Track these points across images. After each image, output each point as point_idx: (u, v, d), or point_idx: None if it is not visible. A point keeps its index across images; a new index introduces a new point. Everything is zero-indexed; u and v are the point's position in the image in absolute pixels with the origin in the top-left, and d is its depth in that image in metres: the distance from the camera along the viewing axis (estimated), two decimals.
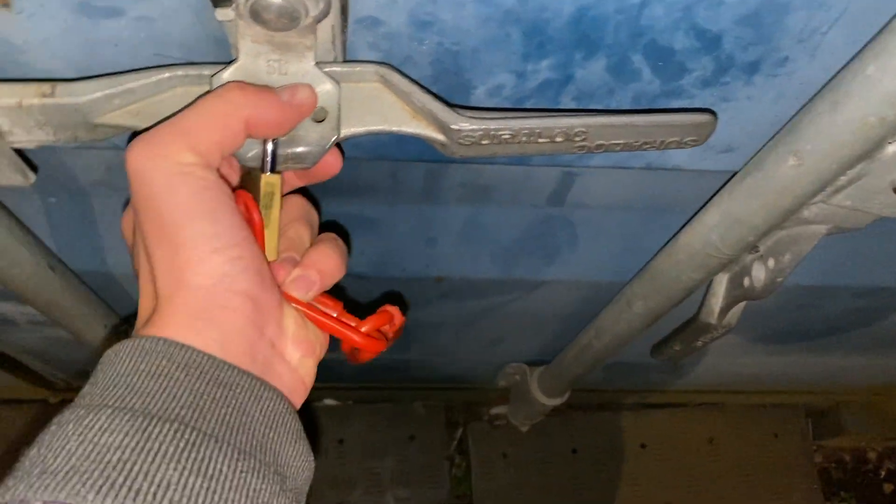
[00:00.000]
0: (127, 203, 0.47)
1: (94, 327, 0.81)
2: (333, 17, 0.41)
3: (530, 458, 1.51)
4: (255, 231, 0.43)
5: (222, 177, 0.41)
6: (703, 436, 1.55)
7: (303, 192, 0.51)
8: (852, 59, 0.44)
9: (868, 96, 0.42)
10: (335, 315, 0.46)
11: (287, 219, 0.47)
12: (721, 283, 0.73)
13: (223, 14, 0.40)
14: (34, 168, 0.51)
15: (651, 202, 0.77)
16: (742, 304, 0.73)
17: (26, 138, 0.46)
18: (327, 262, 0.45)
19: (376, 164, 0.70)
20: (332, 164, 0.48)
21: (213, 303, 0.38)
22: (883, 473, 1.60)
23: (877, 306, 0.98)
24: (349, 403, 1.53)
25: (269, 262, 0.43)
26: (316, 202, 0.52)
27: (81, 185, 0.74)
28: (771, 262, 0.65)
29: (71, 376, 1.32)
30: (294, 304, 0.44)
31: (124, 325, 0.98)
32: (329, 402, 1.53)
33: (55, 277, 0.69)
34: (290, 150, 0.45)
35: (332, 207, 0.78)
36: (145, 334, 0.38)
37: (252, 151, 0.44)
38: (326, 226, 0.60)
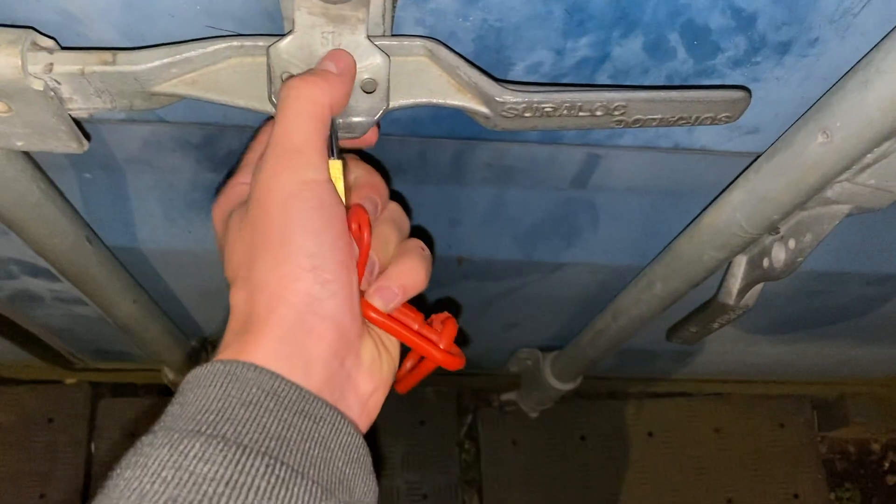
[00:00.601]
0: (219, 188, 0.49)
1: (122, 303, 0.83)
2: None
3: (539, 445, 1.53)
4: (362, 250, 0.43)
5: None
6: (709, 425, 1.57)
7: (399, 200, 0.52)
8: (883, 38, 0.46)
9: (892, 62, 0.44)
10: (416, 328, 0.45)
11: (379, 221, 0.48)
12: (740, 265, 0.74)
13: None
14: (87, 136, 0.52)
15: (672, 186, 0.78)
16: (760, 286, 0.75)
17: (85, 106, 0.47)
18: (411, 276, 0.45)
19: (406, 143, 0.71)
20: (369, 137, 0.50)
21: (301, 326, 0.38)
22: (887, 465, 1.62)
23: (885, 294, 1.00)
24: None
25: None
26: (408, 209, 0.53)
27: (116, 161, 0.75)
28: (791, 243, 0.67)
29: (89, 356, 1.34)
30: (374, 313, 0.43)
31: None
32: None
33: (91, 250, 0.71)
34: (342, 121, 0.46)
35: None
36: (234, 356, 0.38)
37: None
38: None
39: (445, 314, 0.48)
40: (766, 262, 0.70)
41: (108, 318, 0.88)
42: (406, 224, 0.50)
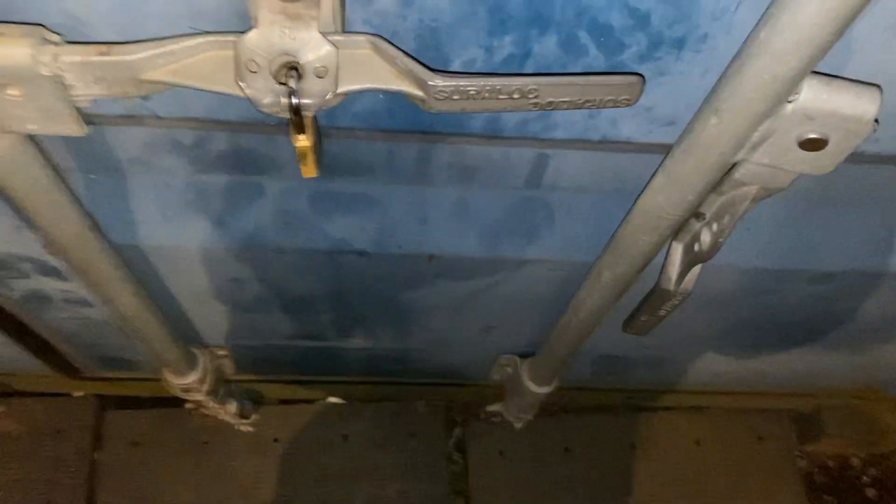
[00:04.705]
0: None
1: (123, 293, 0.91)
2: None
3: (525, 456, 1.59)
4: None
5: None
6: (689, 437, 1.62)
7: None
8: (753, 28, 0.54)
9: (761, 56, 0.52)
10: None
11: None
12: (677, 252, 0.82)
13: None
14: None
15: (617, 185, 0.86)
16: (697, 271, 0.82)
17: (86, 92, 0.57)
18: None
19: (374, 146, 0.80)
20: None
21: None
22: (866, 479, 1.65)
23: (829, 293, 1.06)
24: (354, 402, 1.62)
25: None
26: None
27: (118, 163, 0.84)
28: (714, 226, 0.75)
29: (96, 364, 1.42)
30: None
31: None
32: (335, 400, 1.62)
33: (95, 237, 0.80)
34: (297, 101, 0.55)
35: (338, 187, 0.88)
36: None
37: (267, 98, 0.54)
38: None
39: None
40: (696, 247, 0.78)
41: (111, 310, 0.96)
42: None
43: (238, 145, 0.81)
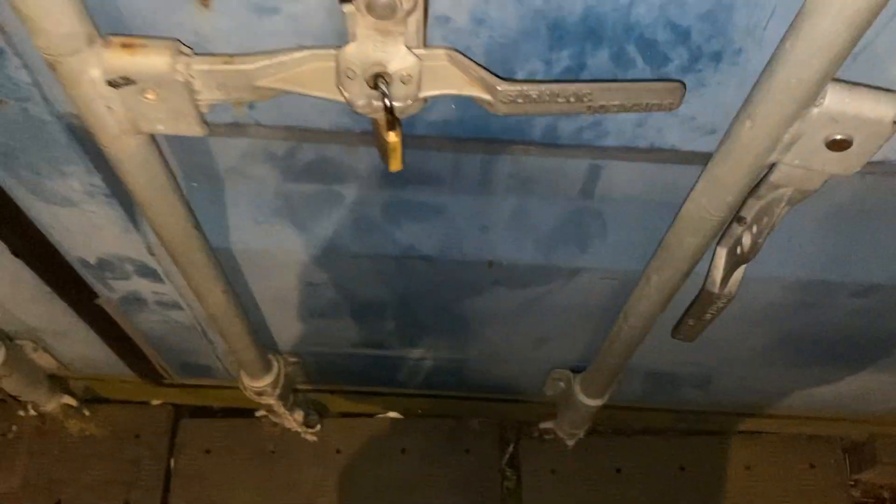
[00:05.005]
0: None
1: (214, 290, 1.02)
2: (418, 12, 0.62)
3: (577, 475, 1.63)
4: None
5: None
6: (740, 462, 1.64)
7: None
8: (781, 39, 0.62)
9: (787, 63, 0.60)
10: None
11: None
12: (720, 255, 0.89)
13: (347, 8, 0.62)
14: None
15: (665, 194, 0.93)
16: (740, 274, 0.89)
17: (209, 96, 0.68)
18: None
19: (443, 156, 0.90)
20: None
21: None
22: None
23: (878, 310, 1.10)
24: (411, 418, 1.69)
25: None
26: None
27: (217, 171, 0.96)
28: (754, 229, 0.81)
29: (177, 370, 1.53)
30: None
31: None
32: (393, 415, 1.70)
33: (196, 235, 0.91)
34: (389, 103, 0.65)
35: (408, 195, 0.98)
36: None
37: (361, 101, 0.64)
38: None
39: None
40: (738, 249, 0.85)
41: (203, 307, 1.07)
42: None
43: (324, 156, 0.91)
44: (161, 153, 0.79)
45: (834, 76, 0.61)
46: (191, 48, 0.67)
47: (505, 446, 1.68)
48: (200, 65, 0.65)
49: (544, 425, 1.60)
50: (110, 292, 1.20)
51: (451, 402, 1.63)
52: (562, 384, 1.41)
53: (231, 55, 0.66)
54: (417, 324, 1.27)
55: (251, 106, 0.78)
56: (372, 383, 1.55)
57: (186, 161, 0.94)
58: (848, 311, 1.11)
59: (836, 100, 0.64)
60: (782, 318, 1.14)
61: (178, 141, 0.88)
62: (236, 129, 0.84)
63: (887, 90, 0.65)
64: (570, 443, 1.58)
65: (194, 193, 0.98)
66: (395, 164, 0.71)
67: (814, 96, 0.63)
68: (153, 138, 0.76)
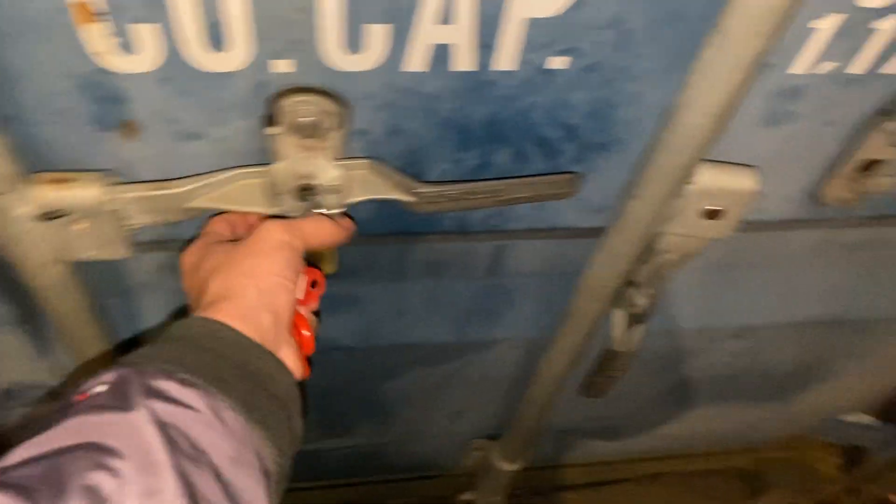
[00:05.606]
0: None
1: None
2: (340, 129, 0.68)
3: None
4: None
5: None
6: None
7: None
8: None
9: (664, 150, 0.70)
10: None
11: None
12: (619, 317, 0.98)
13: (272, 130, 0.67)
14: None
15: (566, 267, 1.02)
16: (640, 332, 0.98)
17: (139, 220, 0.70)
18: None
19: (359, 250, 0.94)
20: (348, 225, 0.73)
21: (260, 303, 0.61)
22: None
23: (756, 349, 1.24)
24: None
25: None
26: None
27: (134, 287, 0.96)
28: (648, 291, 0.91)
29: None
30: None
31: None
32: None
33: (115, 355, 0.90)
34: (315, 212, 0.70)
35: (327, 290, 1.01)
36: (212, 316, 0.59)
37: (294, 212, 0.69)
38: None
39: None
40: (634, 310, 0.94)
41: None
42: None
43: None
44: (83, 278, 0.80)
45: (703, 158, 0.72)
46: (118, 176, 0.69)
47: None
48: (130, 192, 0.68)
49: (464, 497, 1.63)
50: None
51: (369, 487, 1.63)
52: (480, 453, 1.46)
53: (160, 181, 0.69)
54: (336, 414, 1.29)
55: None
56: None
57: (103, 280, 0.93)
58: (731, 353, 1.23)
59: (706, 178, 0.75)
60: (674, 365, 1.24)
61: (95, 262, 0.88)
62: (156, 245, 0.85)
63: (746, 165, 0.77)
64: None
65: (110, 311, 0.97)
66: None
67: (688, 176, 0.73)
68: (77, 264, 0.76)
